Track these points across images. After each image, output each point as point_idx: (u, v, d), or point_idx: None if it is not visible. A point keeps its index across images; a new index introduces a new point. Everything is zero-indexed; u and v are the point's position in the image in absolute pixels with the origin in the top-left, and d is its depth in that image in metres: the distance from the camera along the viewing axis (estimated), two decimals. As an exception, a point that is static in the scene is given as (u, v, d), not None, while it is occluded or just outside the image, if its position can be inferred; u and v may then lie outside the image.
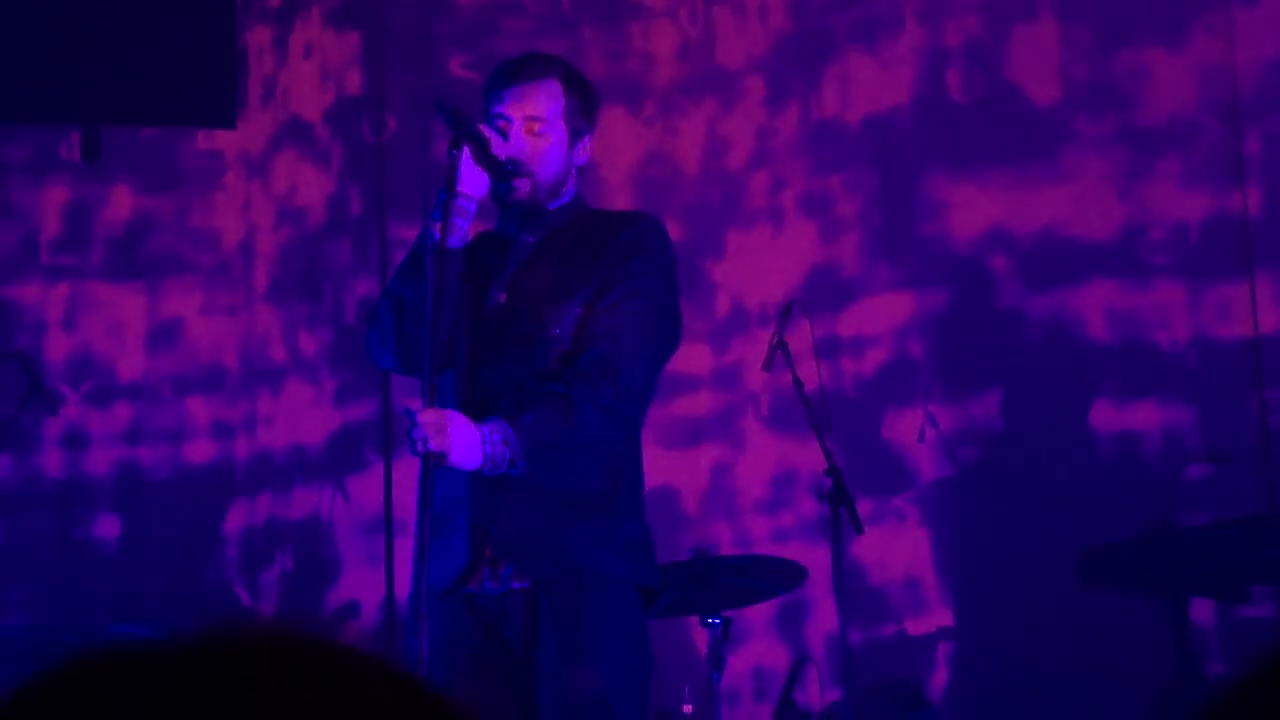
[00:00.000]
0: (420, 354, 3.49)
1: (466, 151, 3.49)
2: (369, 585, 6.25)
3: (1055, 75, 6.01)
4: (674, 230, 5.96)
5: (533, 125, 3.62)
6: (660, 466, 5.99)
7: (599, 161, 6.13)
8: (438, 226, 3.46)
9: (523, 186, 3.62)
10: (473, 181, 3.52)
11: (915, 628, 5.93)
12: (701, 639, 4.91)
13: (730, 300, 6.28)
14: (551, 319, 3.56)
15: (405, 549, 3.67)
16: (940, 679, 5.87)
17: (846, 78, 6.24)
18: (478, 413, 3.41)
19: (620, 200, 6.20)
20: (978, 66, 6.09)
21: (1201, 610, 5.36)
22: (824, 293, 6.11)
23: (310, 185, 6.57)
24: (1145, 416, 5.80)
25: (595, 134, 3.78)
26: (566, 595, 3.45)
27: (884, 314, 6.09)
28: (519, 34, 6.37)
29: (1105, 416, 5.83)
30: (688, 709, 5.08)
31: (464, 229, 3.52)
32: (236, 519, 6.43)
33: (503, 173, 3.56)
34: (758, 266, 6.26)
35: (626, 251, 3.60)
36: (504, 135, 3.59)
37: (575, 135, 3.69)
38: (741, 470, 6.20)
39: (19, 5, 6.26)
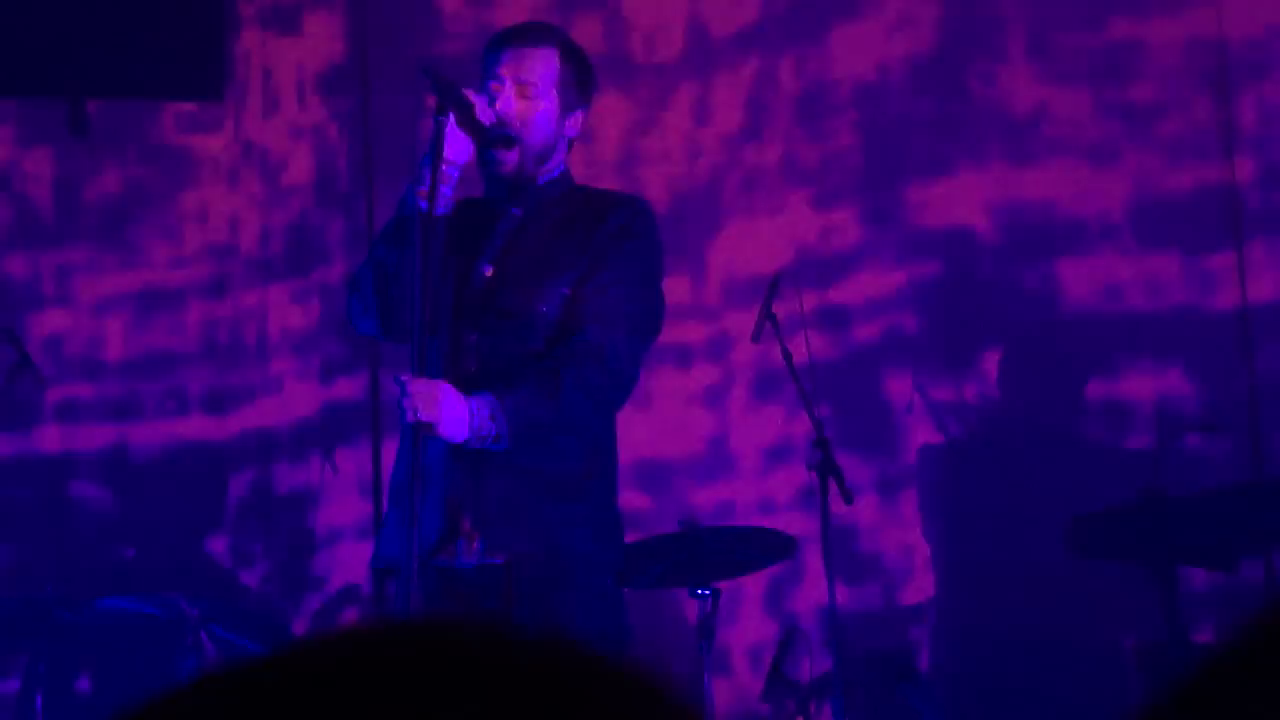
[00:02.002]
0: (401, 321, 3.49)
1: (452, 117, 3.48)
2: (359, 556, 6.25)
3: (1045, 46, 6.01)
4: (664, 202, 5.98)
5: (524, 89, 3.62)
6: (651, 437, 6.00)
7: (589, 135, 6.11)
8: (423, 193, 3.46)
9: (510, 159, 3.62)
10: (457, 147, 3.51)
11: (906, 597, 5.94)
12: (691, 611, 4.92)
13: (720, 271, 6.28)
14: (538, 296, 3.57)
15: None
16: (930, 648, 5.89)
17: (836, 48, 6.23)
18: (458, 384, 3.42)
19: (610, 174, 6.19)
20: (967, 38, 6.09)
21: (1191, 578, 5.38)
22: (814, 263, 6.10)
23: (298, 157, 6.56)
24: (1135, 386, 5.82)
25: (588, 111, 3.78)
26: (542, 571, 3.47)
27: (874, 285, 6.09)
28: (509, 4, 6.36)
29: (1095, 386, 5.85)
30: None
31: (448, 196, 3.52)
32: (226, 492, 6.43)
33: (488, 138, 3.56)
34: (748, 237, 6.26)
35: (616, 235, 3.61)
36: (492, 100, 3.59)
37: (567, 107, 3.69)
38: (732, 441, 6.21)
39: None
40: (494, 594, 3.47)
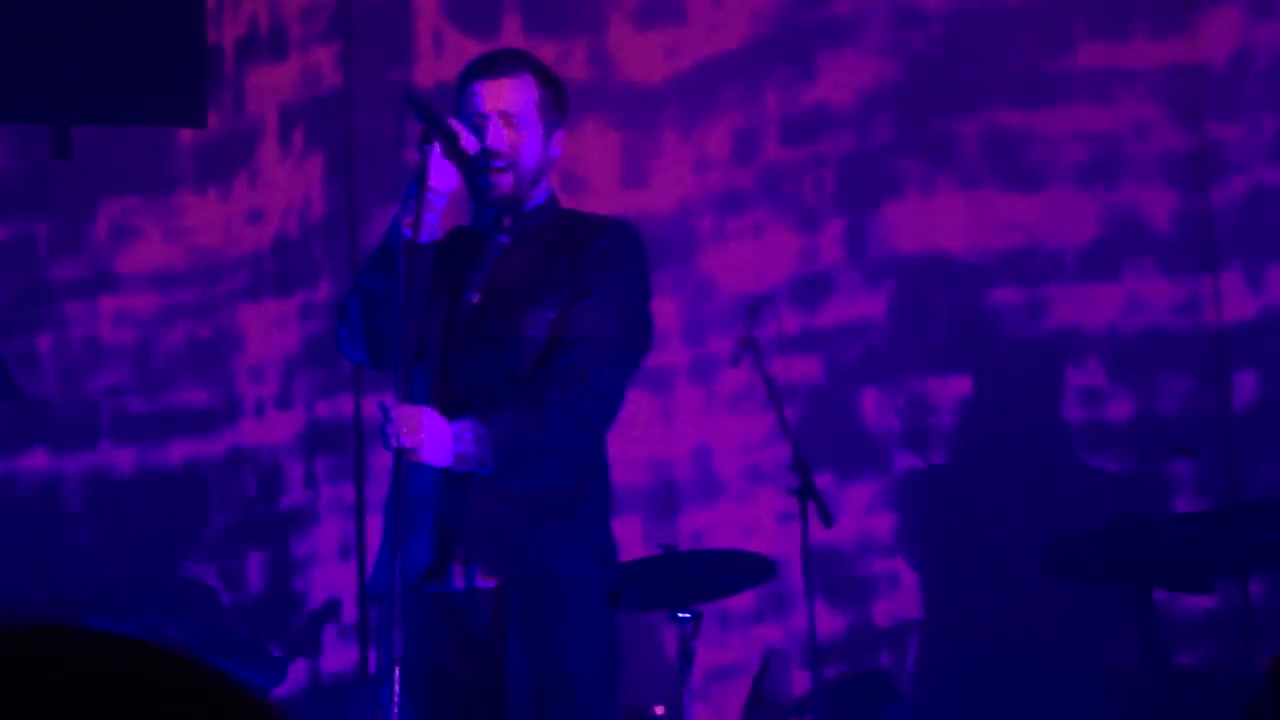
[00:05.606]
0: (389, 349, 3.51)
1: (436, 146, 3.51)
2: (342, 579, 6.27)
3: (1023, 72, 6.05)
4: (647, 226, 6.01)
5: (509, 120, 3.65)
6: (634, 459, 6.02)
7: (578, 163, 6.15)
8: (408, 222, 3.49)
9: (505, 181, 3.64)
10: (442, 176, 3.54)
11: (885, 619, 5.97)
12: (672, 634, 4.94)
13: (705, 295, 6.32)
14: (525, 321, 3.58)
15: (374, 543, 3.73)
16: (910, 669, 5.92)
17: (818, 74, 6.27)
18: (447, 411, 3.44)
19: (595, 199, 6.23)
20: (947, 64, 6.13)
21: (1168, 601, 5.41)
22: (795, 288, 6.14)
23: (282, 184, 6.59)
24: (1112, 409, 5.85)
25: (567, 128, 3.82)
26: (535, 593, 3.48)
27: (855, 308, 6.13)
28: (494, 32, 6.39)
29: (1072, 409, 5.89)
30: (659, 710, 5.10)
31: (433, 224, 3.54)
32: (210, 515, 6.44)
33: (473, 167, 3.58)
34: (732, 262, 6.29)
35: (602, 258, 3.63)
36: (478, 131, 3.62)
37: (550, 128, 3.72)
38: (714, 464, 6.24)
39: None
40: (488, 616, 3.49)
